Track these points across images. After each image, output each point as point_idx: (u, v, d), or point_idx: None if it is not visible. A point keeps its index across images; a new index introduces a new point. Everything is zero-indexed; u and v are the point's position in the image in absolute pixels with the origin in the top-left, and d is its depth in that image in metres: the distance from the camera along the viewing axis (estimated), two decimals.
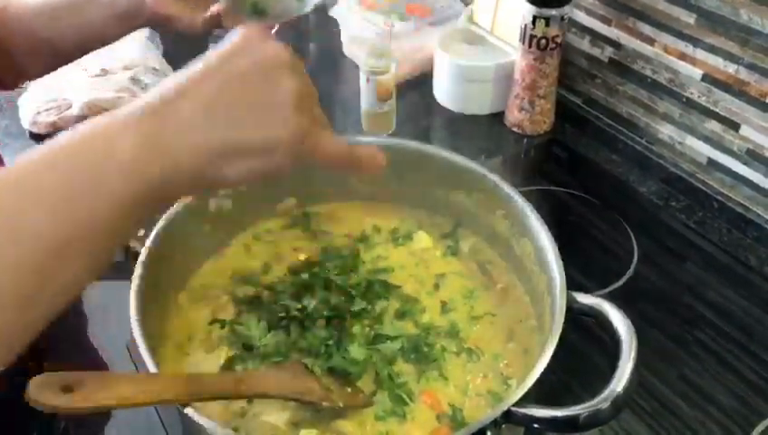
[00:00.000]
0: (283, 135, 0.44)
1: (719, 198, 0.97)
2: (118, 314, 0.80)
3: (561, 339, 0.56)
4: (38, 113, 1.07)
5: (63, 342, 0.79)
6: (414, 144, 0.78)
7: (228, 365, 0.64)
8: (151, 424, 0.69)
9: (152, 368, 0.54)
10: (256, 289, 0.72)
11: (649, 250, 0.89)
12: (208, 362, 0.65)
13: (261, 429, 0.59)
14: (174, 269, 0.70)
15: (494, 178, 0.72)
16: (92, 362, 0.77)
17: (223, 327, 0.68)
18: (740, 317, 0.81)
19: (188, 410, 0.51)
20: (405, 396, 0.61)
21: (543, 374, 0.54)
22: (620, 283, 0.85)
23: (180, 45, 1.32)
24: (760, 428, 0.70)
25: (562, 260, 0.63)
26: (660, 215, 0.97)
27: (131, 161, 0.41)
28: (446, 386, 0.63)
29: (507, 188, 0.71)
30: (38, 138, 1.08)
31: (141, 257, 0.63)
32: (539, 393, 0.54)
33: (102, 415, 0.71)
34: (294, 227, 0.80)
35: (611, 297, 0.81)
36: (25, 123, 1.08)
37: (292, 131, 0.44)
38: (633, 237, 0.91)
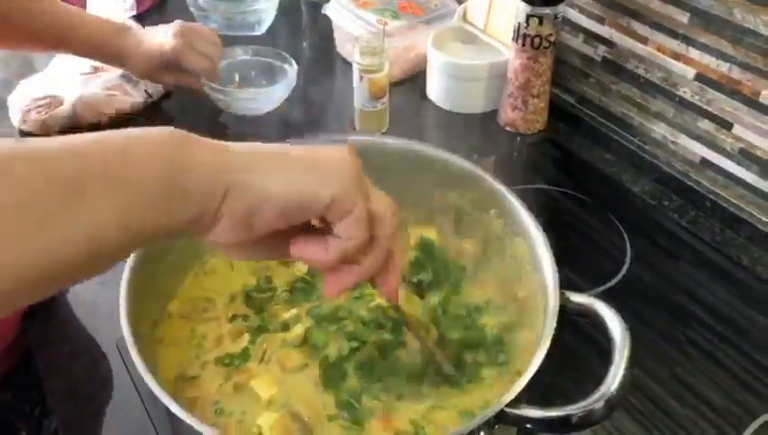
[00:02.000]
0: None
1: (712, 197, 0.98)
2: (108, 310, 0.80)
3: (554, 339, 0.55)
4: (28, 111, 1.06)
5: (53, 342, 0.78)
6: (407, 143, 0.78)
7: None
8: (142, 424, 0.69)
9: (143, 369, 0.53)
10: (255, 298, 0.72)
11: (642, 249, 0.89)
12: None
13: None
14: (165, 271, 0.69)
15: (488, 177, 0.72)
16: (82, 360, 0.76)
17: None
18: (733, 317, 0.81)
19: (176, 410, 0.50)
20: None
21: (536, 374, 0.54)
22: (613, 282, 0.85)
23: None
24: (753, 426, 0.70)
25: (555, 259, 0.63)
26: (653, 214, 0.97)
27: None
28: None
29: (501, 188, 0.71)
30: (28, 136, 1.07)
31: (129, 262, 0.62)
32: (532, 393, 0.54)
33: (94, 415, 0.71)
34: None
35: (604, 297, 0.81)
36: (15, 121, 1.08)
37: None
38: (626, 237, 0.91)
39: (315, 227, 0.47)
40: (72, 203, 0.36)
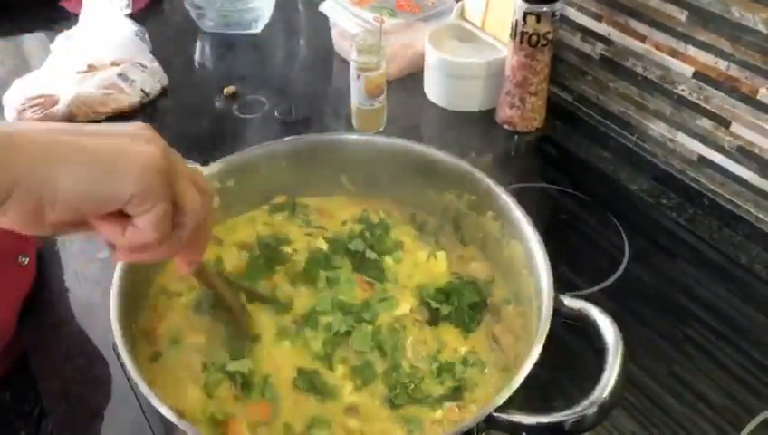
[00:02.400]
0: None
1: (710, 195, 0.97)
2: (103, 310, 0.80)
3: (550, 340, 0.55)
4: (23, 110, 1.06)
5: (48, 343, 0.78)
6: (405, 143, 0.77)
7: None
8: (138, 425, 0.68)
9: (133, 370, 0.53)
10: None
11: (640, 248, 0.89)
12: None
13: None
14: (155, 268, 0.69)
15: (486, 178, 0.71)
16: (78, 361, 0.76)
17: None
18: (730, 314, 0.81)
19: (169, 415, 0.50)
20: None
21: (532, 377, 0.53)
22: (611, 280, 0.84)
23: (168, 41, 1.31)
24: (753, 424, 0.70)
25: (553, 258, 0.62)
26: (651, 212, 0.97)
27: None
28: None
29: (498, 190, 0.70)
30: None
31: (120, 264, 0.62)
32: (530, 394, 0.54)
33: (89, 417, 0.70)
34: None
35: (602, 295, 0.82)
36: (10, 120, 1.07)
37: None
38: (624, 235, 0.91)
39: None
40: None
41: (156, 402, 0.50)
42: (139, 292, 0.65)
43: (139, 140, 0.44)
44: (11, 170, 0.40)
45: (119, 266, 0.61)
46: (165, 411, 0.50)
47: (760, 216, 0.94)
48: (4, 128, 0.41)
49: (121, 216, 0.44)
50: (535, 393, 0.69)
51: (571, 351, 0.73)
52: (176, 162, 0.46)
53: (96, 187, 0.42)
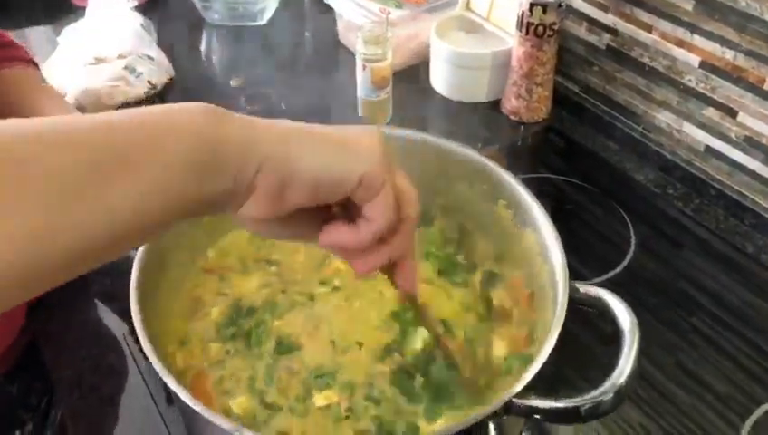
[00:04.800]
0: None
1: (716, 185, 0.97)
2: (115, 298, 0.81)
3: (564, 328, 0.55)
4: None
5: (61, 331, 0.79)
6: (414, 133, 0.77)
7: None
8: (149, 413, 0.69)
9: (153, 358, 0.53)
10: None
11: (647, 238, 0.89)
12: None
13: None
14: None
15: (497, 167, 0.71)
16: (89, 349, 0.77)
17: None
18: (737, 304, 0.81)
19: (188, 399, 0.50)
20: None
21: (547, 363, 0.53)
22: (618, 270, 0.85)
23: (175, 34, 1.31)
24: (758, 413, 0.70)
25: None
26: (657, 202, 0.97)
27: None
28: None
29: (509, 178, 0.70)
30: None
31: (139, 255, 0.62)
32: (544, 381, 0.54)
33: (103, 404, 0.71)
34: None
35: (609, 285, 0.82)
36: None
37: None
38: (630, 225, 0.91)
39: (336, 215, 0.47)
40: (117, 174, 0.36)
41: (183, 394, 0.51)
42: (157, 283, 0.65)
43: (362, 132, 0.46)
44: (260, 146, 0.41)
45: (134, 265, 0.61)
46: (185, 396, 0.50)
47: (766, 206, 0.94)
48: (243, 116, 0.42)
49: (345, 221, 0.45)
50: (541, 383, 0.69)
51: (579, 341, 0.74)
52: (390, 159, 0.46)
53: (333, 164, 0.43)
